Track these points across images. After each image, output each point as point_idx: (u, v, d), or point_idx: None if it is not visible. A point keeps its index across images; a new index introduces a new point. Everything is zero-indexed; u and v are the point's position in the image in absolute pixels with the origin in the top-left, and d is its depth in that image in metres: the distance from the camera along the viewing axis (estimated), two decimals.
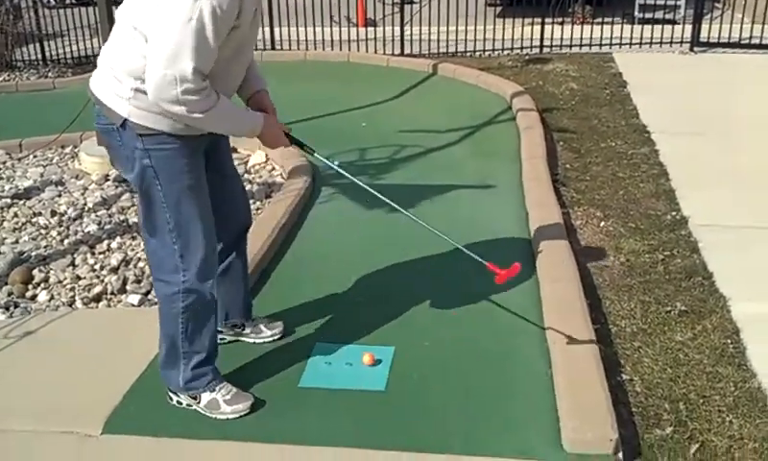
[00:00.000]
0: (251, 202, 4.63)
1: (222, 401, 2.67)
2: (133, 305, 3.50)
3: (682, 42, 8.65)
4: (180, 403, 2.71)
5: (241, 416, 2.66)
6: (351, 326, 3.19)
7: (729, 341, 3.12)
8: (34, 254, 4.02)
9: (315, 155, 2.85)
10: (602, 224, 4.31)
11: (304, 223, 4.33)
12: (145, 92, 2.28)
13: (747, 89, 7.01)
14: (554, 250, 3.69)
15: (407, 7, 9.38)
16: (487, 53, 8.81)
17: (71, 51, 9.45)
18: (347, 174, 2.91)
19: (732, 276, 3.64)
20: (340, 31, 9.37)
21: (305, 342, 3.07)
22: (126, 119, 2.36)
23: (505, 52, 8.80)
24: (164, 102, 2.23)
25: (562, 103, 6.76)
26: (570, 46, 8.74)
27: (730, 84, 7.20)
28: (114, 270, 3.82)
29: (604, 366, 2.82)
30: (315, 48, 9.20)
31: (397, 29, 9.14)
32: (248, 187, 4.88)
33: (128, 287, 3.64)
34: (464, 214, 4.45)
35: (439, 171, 5.23)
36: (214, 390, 2.68)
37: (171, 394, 2.73)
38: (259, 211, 4.48)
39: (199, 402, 2.68)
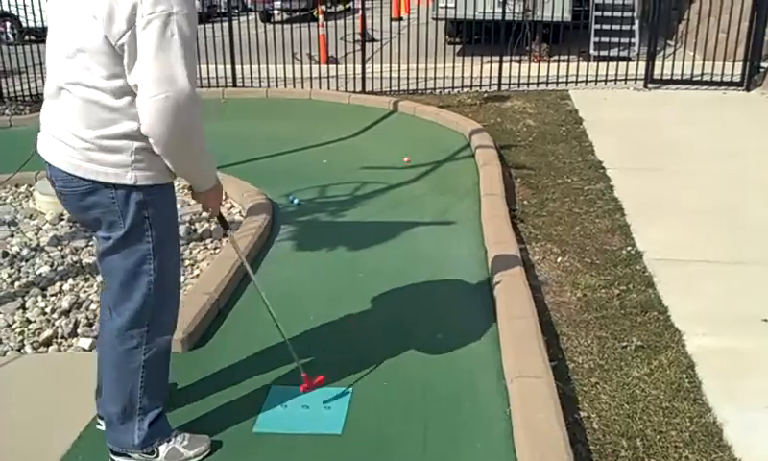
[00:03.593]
0: (209, 240, 4.61)
1: (181, 448, 2.59)
2: (84, 349, 3.40)
3: (636, 79, 8.87)
4: None
5: (204, 458, 2.59)
6: (309, 370, 3.13)
7: (684, 376, 3.15)
8: None
9: (228, 233, 2.89)
10: (559, 259, 4.35)
11: (263, 261, 4.29)
12: (146, 150, 2.24)
13: (699, 125, 7.20)
14: (511, 286, 3.70)
15: (369, 45, 9.48)
16: (447, 90, 8.93)
17: (29, 88, 9.33)
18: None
19: (687, 310, 3.69)
20: (302, 68, 9.42)
21: (261, 385, 3.02)
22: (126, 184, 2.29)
23: (464, 89, 8.93)
24: (166, 125, 2.16)
25: (519, 140, 6.86)
26: (528, 84, 8.91)
27: (682, 120, 7.39)
28: (66, 313, 3.72)
29: (561, 403, 2.82)
30: (277, 85, 9.23)
31: (359, 66, 9.22)
32: (205, 226, 4.82)
33: (79, 330, 3.54)
34: (423, 251, 4.45)
35: (398, 208, 5.25)
36: (170, 440, 2.59)
37: (117, 458, 2.57)
38: (217, 250, 4.42)
39: (157, 456, 2.56)
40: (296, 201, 5.37)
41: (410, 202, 5.38)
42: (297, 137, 7.05)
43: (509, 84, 8.93)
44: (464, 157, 6.36)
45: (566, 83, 8.92)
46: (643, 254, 4.36)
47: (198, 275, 4.05)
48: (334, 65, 10.28)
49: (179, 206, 5.21)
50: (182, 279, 4.02)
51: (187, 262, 4.23)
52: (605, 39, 10.12)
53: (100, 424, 2.71)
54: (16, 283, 4.08)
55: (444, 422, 2.80)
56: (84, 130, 2.24)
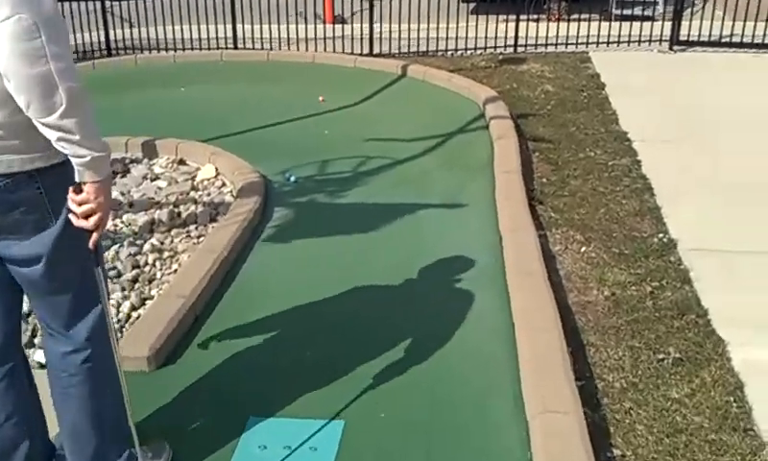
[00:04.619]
0: (194, 226, 4.17)
1: None
2: (41, 365, 2.99)
3: (661, 41, 8.30)
4: None
5: None
6: (294, 393, 2.69)
7: (731, 398, 2.71)
8: None
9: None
10: (583, 249, 3.89)
11: (249, 255, 3.82)
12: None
13: (729, 90, 6.64)
14: (531, 287, 3.26)
15: (377, 3, 8.91)
16: (459, 52, 8.38)
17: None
18: None
19: (729, 312, 3.25)
20: (306, 28, 8.87)
21: (238, 415, 2.58)
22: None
23: (478, 51, 8.37)
24: (25, 57, 1.65)
25: (537, 108, 6.34)
26: (546, 45, 8.33)
27: (711, 85, 6.83)
28: (25, 317, 3.31)
29: (591, 438, 2.39)
30: (280, 47, 8.70)
31: (366, 26, 8.67)
32: (191, 208, 4.38)
33: (36, 340, 3.13)
34: (429, 239, 4.01)
35: (405, 186, 4.79)
36: None
37: None
38: (201, 239, 3.97)
39: None
40: (293, 178, 4.91)
41: (418, 179, 4.91)
42: (298, 105, 6.54)
43: (525, 46, 8.36)
44: (477, 129, 5.85)
45: (587, 44, 8.33)
46: (677, 242, 3.89)
47: (176, 270, 3.60)
48: (340, 25, 9.73)
49: (164, 183, 4.71)
50: (159, 274, 3.59)
51: (166, 254, 3.77)
52: None
53: None
54: None
55: None
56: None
